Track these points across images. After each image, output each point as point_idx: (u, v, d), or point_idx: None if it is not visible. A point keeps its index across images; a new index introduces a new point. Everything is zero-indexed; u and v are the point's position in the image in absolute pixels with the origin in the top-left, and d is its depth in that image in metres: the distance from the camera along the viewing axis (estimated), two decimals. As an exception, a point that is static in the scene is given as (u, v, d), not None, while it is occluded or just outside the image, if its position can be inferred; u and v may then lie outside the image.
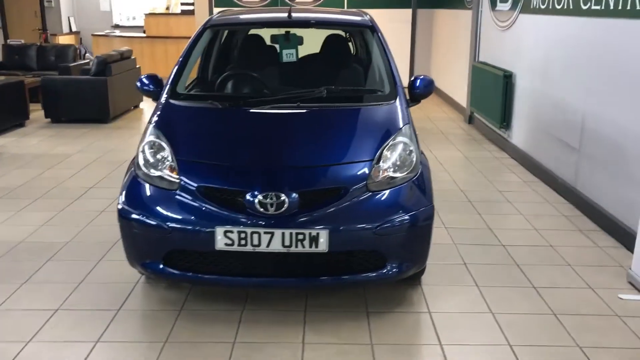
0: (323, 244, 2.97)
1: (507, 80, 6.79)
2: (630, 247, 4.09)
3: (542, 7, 5.92)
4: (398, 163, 3.22)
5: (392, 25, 11.88)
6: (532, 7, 6.23)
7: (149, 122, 3.54)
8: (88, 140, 7.32)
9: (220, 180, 3.11)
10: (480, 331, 3.11)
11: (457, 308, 3.34)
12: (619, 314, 3.29)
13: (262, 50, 4.65)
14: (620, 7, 4.35)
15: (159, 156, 3.28)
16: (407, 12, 12.25)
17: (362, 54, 4.40)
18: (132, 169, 3.39)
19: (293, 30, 4.56)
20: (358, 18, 4.40)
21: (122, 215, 3.19)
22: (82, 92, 8.21)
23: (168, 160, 3.24)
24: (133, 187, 3.27)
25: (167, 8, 12.78)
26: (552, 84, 5.65)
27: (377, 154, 3.21)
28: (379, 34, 4.17)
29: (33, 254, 4.00)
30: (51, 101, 8.25)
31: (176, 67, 3.95)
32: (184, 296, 3.44)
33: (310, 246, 2.98)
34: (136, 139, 7.31)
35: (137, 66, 9.58)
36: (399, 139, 3.31)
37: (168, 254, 3.13)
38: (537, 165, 5.96)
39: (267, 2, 12.09)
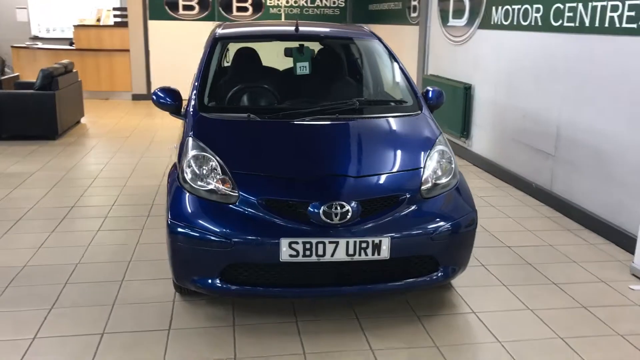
0: (385, 251, 3.05)
1: (467, 92, 7.16)
2: (618, 242, 4.48)
3: (506, 23, 6.31)
4: (441, 170, 3.36)
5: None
6: (492, 23, 6.62)
7: (187, 136, 3.46)
8: (42, 158, 6.91)
9: (283, 192, 3.10)
10: (528, 327, 3.29)
11: (496, 307, 3.51)
12: (638, 303, 3.59)
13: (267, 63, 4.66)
14: (589, 24, 4.77)
15: (205, 169, 3.23)
16: (343, 27, 12.53)
17: (366, 66, 4.51)
18: (174, 183, 3.30)
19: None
20: (363, 31, 4.53)
21: (174, 231, 3.10)
22: (27, 107, 7.74)
23: (218, 173, 3.19)
24: (183, 202, 3.18)
25: (98, 20, 12.28)
26: (519, 95, 6.04)
27: (424, 162, 3.33)
28: (388, 47, 4.32)
29: (46, 278, 3.77)
30: (-9, 117, 7.70)
31: (199, 79, 3.88)
32: (230, 311, 3.38)
33: (373, 254, 3.04)
34: (93, 155, 7.06)
35: (79, 80, 9.14)
36: (439, 147, 3.46)
37: (225, 268, 3.07)
38: (504, 171, 6.33)
39: (203, 15, 11.95)
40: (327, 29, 4.70)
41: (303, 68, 4.24)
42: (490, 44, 6.69)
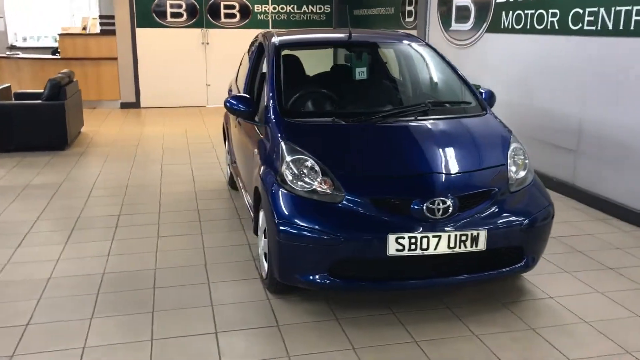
0: (482, 243, 3.27)
1: (476, 93, 7.48)
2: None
3: (518, 27, 6.66)
4: (519, 166, 3.61)
5: (316, 45, 12.33)
6: (502, 27, 6.96)
7: (278, 141, 3.60)
8: (62, 169, 6.87)
9: (386, 191, 3.29)
10: (605, 307, 3.57)
11: (569, 291, 3.78)
12: (691, 282, 3.93)
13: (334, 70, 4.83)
14: (604, 28, 5.13)
15: (305, 171, 3.38)
16: (329, 32, 12.74)
17: (419, 69, 4.73)
18: (272, 185, 3.44)
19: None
20: (411, 36, 4.78)
21: (282, 230, 3.25)
22: (37, 118, 7.66)
23: (318, 174, 3.34)
24: (287, 203, 3.33)
25: (84, 28, 12.13)
26: (536, 96, 6.38)
27: (505, 158, 3.58)
28: (437, 50, 4.56)
29: (132, 284, 3.85)
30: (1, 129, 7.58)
31: (274, 86, 4.01)
32: (327, 307, 3.53)
33: (472, 246, 3.26)
34: (112, 164, 7.03)
35: (79, 89, 9.07)
36: (514, 144, 3.72)
37: (334, 264, 3.23)
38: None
39: (191, 22, 11.98)
40: (377, 35, 4.91)
41: (361, 73, 4.44)
42: (501, 47, 7.02)
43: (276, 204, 3.35)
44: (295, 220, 3.26)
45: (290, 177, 3.39)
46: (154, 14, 11.79)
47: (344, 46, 4.73)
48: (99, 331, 3.25)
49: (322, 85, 4.44)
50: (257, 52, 4.92)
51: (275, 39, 4.54)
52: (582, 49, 5.64)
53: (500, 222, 3.34)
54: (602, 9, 5.33)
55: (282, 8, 12.42)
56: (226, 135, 5.89)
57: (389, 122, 3.77)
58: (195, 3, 11.95)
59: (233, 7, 12.19)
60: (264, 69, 4.84)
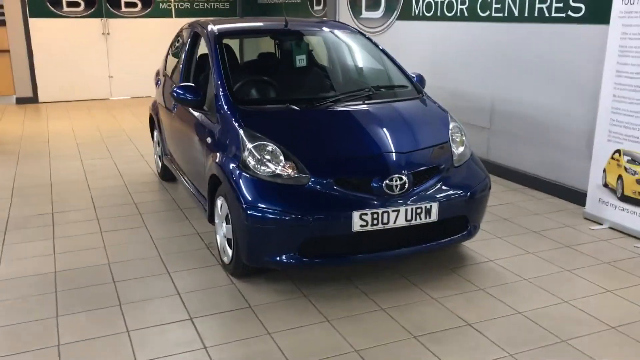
0: (434, 214, 3.56)
1: (389, 77, 7.85)
2: (560, 195, 5.41)
3: (428, 14, 7.07)
4: (459, 142, 3.94)
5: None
6: (413, 14, 7.35)
7: (236, 128, 3.69)
8: (-27, 169, 6.47)
9: (349, 171, 3.49)
10: (539, 265, 4.00)
11: (505, 254, 4.18)
12: (601, 238, 4.47)
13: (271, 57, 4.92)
14: (510, 14, 5.64)
15: (267, 156, 3.51)
16: (233, 21, 12.70)
17: (355, 56, 4.94)
18: (235, 171, 3.52)
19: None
20: (346, 26, 4.98)
21: (251, 215, 3.36)
22: None
23: (280, 158, 3.48)
24: (254, 187, 3.44)
25: (-30, 19, 11.25)
26: (449, 78, 6.83)
27: (449, 136, 3.89)
28: (371, 38, 4.82)
29: (90, 279, 3.79)
30: None
31: (222, 74, 4.06)
32: (292, 285, 3.68)
33: (425, 217, 3.54)
34: (24, 161, 6.72)
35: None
36: (453, 123, 4.05)
37: (303, 244, 3.40)
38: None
39: (90, 12, 11.50)
40: (310, 23, 5.07)
41: (301, 60, 4.59)
42: (413, 34, 7.42)
43: (242, 189, 3.45)
44: (264, 203, 3.38)
45: (252, 163, 3.49)
46: (47, 3, 11.20)
47: (282, 34, 4.84)
48: (70, 328, 3.21)
49: (263, 73, 4.54)
50: (192, 41, 4.92)
51: (214, 28, 4.58)
52: (491, 34, 6.12)
53: (448, 195, 3.64)
54: (508, -3, 5.82)
55: (185, -4, 12.21)
56: (156, 126, 5.81)
57: (339, 106, 3.95)
58: (93, -9, 11.47)
59: (134, -5, 11.82)
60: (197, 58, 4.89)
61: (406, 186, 3.49)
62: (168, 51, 5.91)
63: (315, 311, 3.39)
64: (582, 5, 5.03)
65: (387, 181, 3.44)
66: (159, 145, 5.92)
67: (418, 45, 7.35)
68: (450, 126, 4.00)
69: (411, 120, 3.99)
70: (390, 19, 7.83)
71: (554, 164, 5.51)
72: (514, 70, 5.85)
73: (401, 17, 7.63)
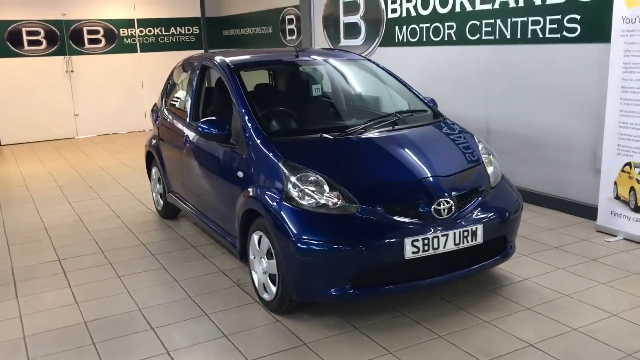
0: (479, 237, 3.57)
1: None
2: (566, 210, 5.53)
3: (413, 40, 7.19)
4: (489, 163, 3.98)
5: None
6: (397, 41, 7.46)
7: (277, 160, 3.60)
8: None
9: (395, 197, 3.46)
10: (575, 280, 4.05)
11: (537, 272, 4.22)
12: (619, 250, 4.58)
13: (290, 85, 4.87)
14: (502, 37, 5.81)
15: (311, 186, 3.44)
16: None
17: (369, 83, 4.94)
18: (278, 204, 3.44)
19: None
20: (355, 54, 5.02)
21: (302, 247, 3.28)
22: None
23: (325, 188, 3.42)
24: (302, 219, 3.36)
25: None
26: (441, 102, 6.90)
27: (480, 157, 3.93)
28: (380, 65, 4.86)
29: (126, 327, 3.59)
30: None
31: (247, 107, 4.00)
32: (340, 318, 3.59)
33: (472, 240, 3.54)
34: (7, 208, 6.42)
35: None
36: (481, 144, 4.09)
37: (355, 275, 3.33)
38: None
39: (52, 50, 11.19)
40: (323, 54, 5.06)
41: (317, 90, 4.57)
42: (398, 59, 7.51)
43: (290, 222, 3.36)
44: (314, 235, 3.30)
45: (297, 194, 3.42)
46: (8, 43, 10.83)
47: (292, 65, 4.81)
48: (124, 381, 3.02)
49: (283, 103, 4.49)
50: (201, 74, 4.83)
51: (230, 60, 4.52)
52: (483, 57, 6.26)
53: (491, 216, 3.65)
54: (498, 20, 5.98)
55: (150, 31, 12.06)
56: (157, 163, 5.63)
57: (370, 133, 3.94)
58: (55, 29, 11.18)
59: (97, 32, 11.59)
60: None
61: (452, 209, 3.48)
62: (166, 86, 5.77)
63: (373, 344, 3.31)
64: (577, 26, 5.21)
65: (434, 206, 3.43)
66: (159, 183, 5.74)
67: (405, 71, 7.37)
68: (479, 147, 4.04)
69: (443, 143, 4.01)
70: (372, 46, 7.92)
71: (559, 181, 5.63)
72: (510, 91, 5.99)
73: (384, 44, 7.73)
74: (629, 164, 4.74)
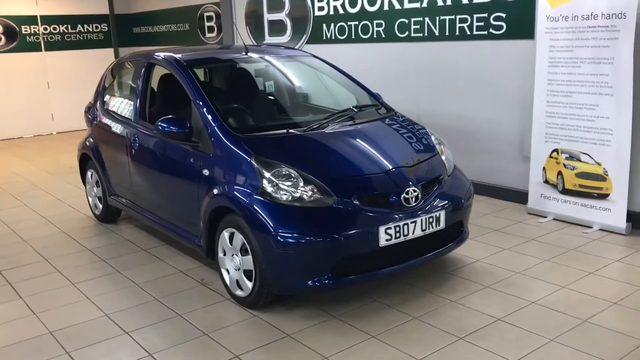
0: (442, 222, 3.79)
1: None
2: (497, 196, 5.93)
3: (341, 37, 7.37)
4: (441, 152, 4.21)
5: (96, 65, 11.72)
6: (325, 38, 7.61)
7: (247, 156, 3.62)
8: None
9: (367, 188, 3.59)
10: (522, 259, 4.38)
11: (485, 253, 4.52)
12: (554, 229, 5.00)
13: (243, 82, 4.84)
14: (430, 34, 6.14)
15: (286, 181, 3.50)
16: (109, 52, 12.16)
17: (320, 80, 5.02)
18: (253, 199, 3.47)
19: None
20: (303, 52, 5.11)
21: (283, 241, 3.34)
22: None
23: (299, 182, 3.49)
24: (281, 213, 3.42)
25: None
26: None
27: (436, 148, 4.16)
28: (329, 62, 4.98)
29: (101, 333, 3.48)
30: None
31: (208, 104, 3.98)
32: (317, 308, 3.68)
33: (436, 225, 3.75)
34: None
35: None
36: (434, 136, 4.32)
37: (336, 265, 3.44)
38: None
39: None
40: (272, 51, 5.09)
41: (270, 86, 4.62)
42: (327, 57, 7.62)
43: (268, 217, 3.40)
44: (294, 228, 3.36)
45: (272, 189, 3.46)
46: None
47: (242, 62, 4.81)
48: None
49: (238, 100, 4.49)
50: (146, 73, 4.72)
51: (181, 57, 4.46)
52: (412, 53, 6.54)
53: (450, 202, 3.88)
54: (427, 19, 6.29)
55: (55, 29, 11.46)
56: (96, 165, 5.42)
57: (333, 128, 4.04)
58: (-52, 27, 10.36)
59: (-5, 29, 10.85)
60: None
61: (419, 198, 3.66)
62: (102, 85, 5.55)
63: (355, 330, 3.42)
64: (503, 24, 5.60)
65: (404, 195, 3.59)
66: (97, 186, 5.53)
67: (333, 67, 7.59)
68: (432, 138, 4.26)
69: (401, 135, 4.19)
70: (299, 43, 8.02)
71: (489, 169, 6.01)
72: (439, 85, 6.31)
73: (311, 41, 7.85)
74: (556, 150, 5.17)
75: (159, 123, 3.98)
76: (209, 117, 3.92)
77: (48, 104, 11.36)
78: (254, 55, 4.83)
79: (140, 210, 4.84)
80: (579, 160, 5.01)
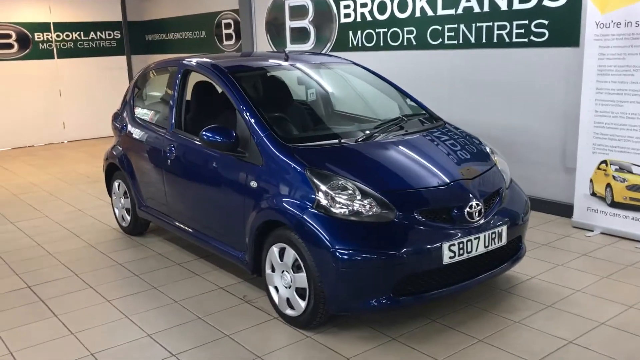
0: (504, 238, 3.58)
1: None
2: (538, 209, 5.71)
3: (369, 45, 7.19)
4: (500, 164, 4.01)
5: (109, 73, 11.58)
6: (351, 45, 7.43)
7: (301, 168, 3.42)
8: None
9: (429, 202, 3.38)
10: (580, 275, 4.17)
11: (539, 269, 4.31)
12: (603, 243, 4.79)
13: (281, 91, 4.64)
14: (463, 41, 5.96)
15: (343, 194, 3.30)
16: (121, 59, 11.99)
17: (365, 87, 4.82)
18: (310, 215, 3.27)
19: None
20: (344, 59, 4.93)
21: (342, 258, 3.13)
22: None
23: (357, 195, 3.29)
24: (339, 228, 3.21)
25: None
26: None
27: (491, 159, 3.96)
28: (372, 70, 4.80)
29: (146, 355, 3.26)
30: None
31: (256, 114, 3.78)
32: (373, 330, 3.47)
33: (498, 242, 3.55)
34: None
35: None
36: (488, 147, 4.12)
37: (397, 283, 3.23)
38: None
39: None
40: (313, 58, 4.91)
41: (312, 94, 4.43)
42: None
43: (326, 232, 3.19)
44: (355, 244, 3.16)
45: (328, 203, 3.26)
46: None
47: (282, 69, 4.62)
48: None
49: (282, 109, 4.29)
50: (182, 80, 4.53)
51: (222, 63, 4.27)
52: (445, 60, 6.36)
53: (511, 217, 3.67)
54: (462, 25, 6.11)
55: (68, 36, 11.28)
56: (126, 176, 5.21)
57: (387, 138, 3.84)
58: (-40, 33, 10.19)
59: (8, 36, 10.68)
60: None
61: (483, 212, 3.46)
62: (132, 93, 5.36)
63: (418, 353, 3.22)
64: (546, 31, 5.42)
65: (467, 209, 3.39)
66: (124, 197, 5.33)
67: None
68: (487, 149, 4.07)
69: (457, 146, 3.98)
70: (324, 51, 7.84)
71: (529, 180, 5.80)
72: (474, 93, 6.12)
73: (337, 49, 7.67)
74: (604, 161, 4.97)
75: (204, 132, 3.78)
76: (257, 126, 3.72)
77: (60, 112, 11.18)
78: (295, 63, 4.64)
79: (174, 223, 4.63)
80: (630, 172, 4.81)
